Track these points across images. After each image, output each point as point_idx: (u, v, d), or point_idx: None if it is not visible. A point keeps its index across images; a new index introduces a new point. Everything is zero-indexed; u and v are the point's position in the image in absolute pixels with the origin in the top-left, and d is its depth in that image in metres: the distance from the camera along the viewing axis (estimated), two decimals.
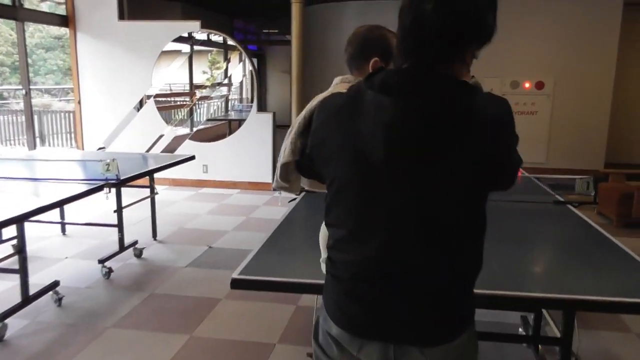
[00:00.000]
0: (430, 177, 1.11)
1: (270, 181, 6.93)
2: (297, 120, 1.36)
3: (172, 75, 8.30)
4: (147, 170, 4.02)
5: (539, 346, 2.58)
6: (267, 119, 6.86)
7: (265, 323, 3.27)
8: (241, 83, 11.17)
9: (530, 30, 8.00)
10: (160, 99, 7.39)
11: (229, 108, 10.59)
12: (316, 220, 2.73)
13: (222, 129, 9.42)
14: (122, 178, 3.61)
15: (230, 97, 10.67)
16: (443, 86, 1.09)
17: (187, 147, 6.94)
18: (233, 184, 7.01)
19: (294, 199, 3.38)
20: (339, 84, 1.42)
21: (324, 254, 1.54)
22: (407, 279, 1.21)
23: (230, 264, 4.21)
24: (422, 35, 1.07)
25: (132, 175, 3.76)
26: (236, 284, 1.93)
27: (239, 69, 10.54)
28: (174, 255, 4.49)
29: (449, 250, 1.19)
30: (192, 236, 5.01)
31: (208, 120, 9.08)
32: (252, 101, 11.63)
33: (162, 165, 4.24)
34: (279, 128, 7.18)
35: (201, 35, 8.55)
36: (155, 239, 4.85)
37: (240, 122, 9.84)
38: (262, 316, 3.36)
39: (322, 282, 1.83)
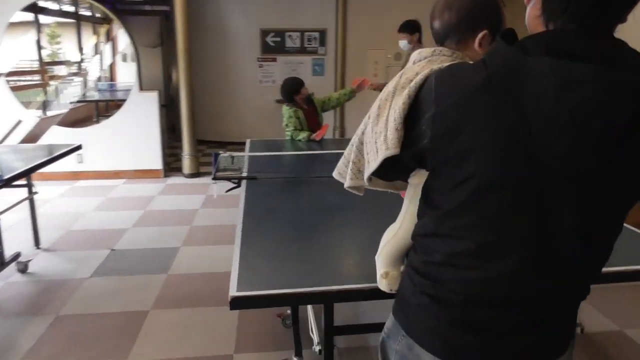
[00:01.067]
0: (611, 177, 0.86)
1: (161, 167, 6.26)
2: (390, 102, 1.01)
3: (25, 51, 7.04)
4: (33, 165, 3.23)
5: None
6: (151, 98, 6.12)
7: (212, 332, 2.85)
8: (102, 58, 9.97)
9: (409, 5, 8.19)
10: (14, 77, 6.21)
11: (94, 87, 9.40)
12: (283, 215, 2.39)
13: (89, 111, 8.33)
14: (5, 177, 2.86)
15: (95, 76, 9.47)
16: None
17: (56, 134, 5.94)
18: (116, 174, 6.18)
19: (232, 188, 2.98)
20: (432, 58, 1.09)
21: (385, 268, 1.24)
22: (541, 302, 0.99)
23: (145, 267, 3.66)
24: None
25: (18, 172, 3.00)
26: (237, 303, 1.54)
27: (107, 44, 9.39)
28: (70, 264, 3.77)
29: (593, 268, 0.99)
30: (85, 239, 4.27)
31: (80, 101, 7.94)
32: (112, 80, 10.47)
33: (48, 158, 3.47)
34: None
35: (52, 5, 7.40)
36: (38, 248, 4.04)
37: (107, 103, 8.80)
38: (205, 325, 2.93)
39: (344, 287, 1.56)
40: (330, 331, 1.87)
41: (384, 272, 1.26)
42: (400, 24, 4.74)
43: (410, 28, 4.66)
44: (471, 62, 0.95)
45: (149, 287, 3.37)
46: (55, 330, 2.87)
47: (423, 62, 1.09)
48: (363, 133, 1.10)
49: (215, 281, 3.47)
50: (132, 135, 6.13)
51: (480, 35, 1.13)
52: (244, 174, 2.98)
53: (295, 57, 8.30)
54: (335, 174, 1.26)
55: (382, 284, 1.28)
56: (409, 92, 0.97)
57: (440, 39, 1.19)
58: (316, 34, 8.24)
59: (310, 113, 4.39)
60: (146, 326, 2.90)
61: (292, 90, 4.36)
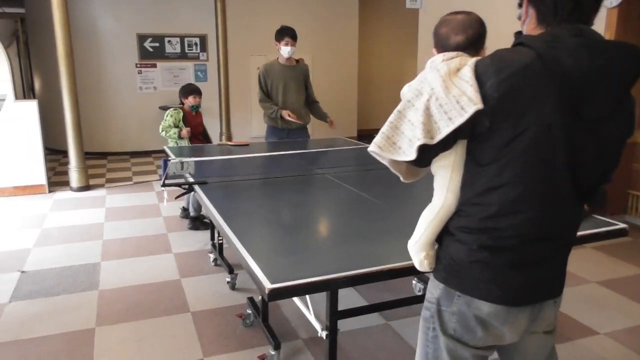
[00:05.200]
0: (614, 130, 1.25)
1: (45, 182, 5.75)
2: (451, 78, 1.23)
3: None
4: None
5: None
6: (30, 108, 5.59)
7: (173, 341, 2.83)
8: None
9: (287, 11, 8.51)
10: None
11: None
12: (261, 214, 2.48)
13: None
14: None
15: None
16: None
17: None
18: None
19: (182, 194, 2.98)
20: (457, 58, 1.31)
21: (424, 251, 1.43)
22: (569, 230, 1.34)
23: (70, 286, 3.46)
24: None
25: None
26: (276, 294, 1.66)
27: None
28: None
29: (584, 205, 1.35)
30: None
31: None
32: None
33: None
34: None
35: None
36: None
37: None
38: (162, 335, 2.88)
39: (363, 271, 1.76)
40: (335, 315, 2.05)
41: (425, 254, 1.44)
42: (288, 31, 4.48)
43: (295, 36, 4.54)
44: (509, 48, 1.27)
45: (84, 305, 3.18)
46: None
47: (457, 58, 1.32)
48: (427, 100, 1.24)
49: (154, 292, 3.39)
50: (9, 150, 5.54)
51: (485, 49, 1.49)
52: (190, 179, 3.00)
53: (176, 63, 8.13)
54: (373, 149, 1.33)
55: (424, 265, 1.45)
56: (471, 67, 1.23)
57: (461, 48, 1.46)
58: (197, 40, 8.17)
59: (195, 120, 4.75)
60: (99, 344, 2.77)
61: (182, 92, 4.73)
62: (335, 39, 9.06)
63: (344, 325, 2.86)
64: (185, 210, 4.84)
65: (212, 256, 3.86)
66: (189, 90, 4.71)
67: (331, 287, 1.77)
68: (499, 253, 1.29)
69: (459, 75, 1.24)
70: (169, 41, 8.01)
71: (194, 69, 8.23)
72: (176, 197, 3.03)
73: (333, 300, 2.05)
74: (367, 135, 9.67)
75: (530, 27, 1.30)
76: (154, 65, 8.01)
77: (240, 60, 8.35)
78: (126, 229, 4.63)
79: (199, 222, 4.59)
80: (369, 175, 3.25)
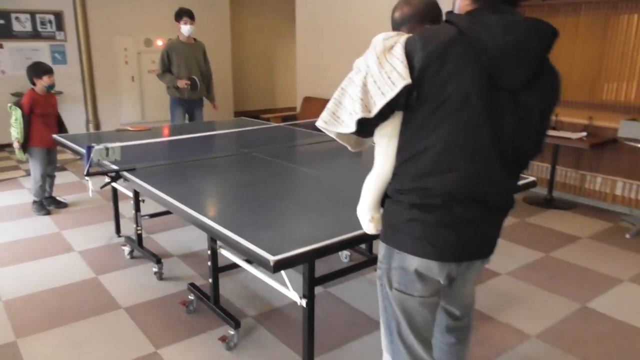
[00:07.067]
0: (531, 99, 1.37)
1: None
2: (385, 55, 1.35)
3: None
4: None
5: None
6: None
7: (117, 339, 2.64)
8: None
9: None
10: None
11: None
12: (215, 195, 2.40)
13: None
14: None
15: None
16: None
17: None
18: None
19: (108, 183, 2.77)
20: (396, 37, 1.42)
21: (370, 213, 1.56)
22: (494, 201, 1.45)
23: None
24: None
25: None
26: (280, 265, 1.68)
27: None
28: None
29: (517, 176, 1.49)
30: None
31: None
32: None
33: None
34: None
35: None
36: None
37: None
38: (102, 335, 2.67)
39: (354, 234, 1.85)
40: (312, 283, 2.11)
41: (371, 217, 1.56)
42: (186, 11, 5.12)
43: (193, 15, 5.17)
44: (436, 26, 1.41)
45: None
46: None
47: (395, 37, 1.43)
48: (364, 77, 1.37)
49: (72, 293, 3.09)
50: None
51: (424, 27, 1.56)
52: (114, 167, 2.78)
53: (27, 43, 7.21)
54: (320, 124, 1.46)
55: (370, 228, 1.58)
56: (401, 44, 1.36)
57: (396, 25, 1.61)
58: (51, 17, 7.32)
59: (47, 101, 4.46)
60: (30, 355, 2.48)
61: (34, 72, 4.38)
62: (205, 20, 8.75)
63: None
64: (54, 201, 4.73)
65: (126, 249, 3.62)
66: (43, 69, 4.31)
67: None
68: (428, 211, 1.40)
69: (392, 52, 1.36)
70: (16, 17, 7.06)
71: (50, 50, 7.38)
72: (101, 187, 2.79)
73: (311, 268, 2.11)
74: (243, 116, 9.60)
75: (464, 3, 1.40)
76: (0, 46, 7.02)
77: (104, 41, 7.69)
78: (11, 231, 4.10)
79: (41, 204, 4.56)
80: (293, 151, 3.31)
